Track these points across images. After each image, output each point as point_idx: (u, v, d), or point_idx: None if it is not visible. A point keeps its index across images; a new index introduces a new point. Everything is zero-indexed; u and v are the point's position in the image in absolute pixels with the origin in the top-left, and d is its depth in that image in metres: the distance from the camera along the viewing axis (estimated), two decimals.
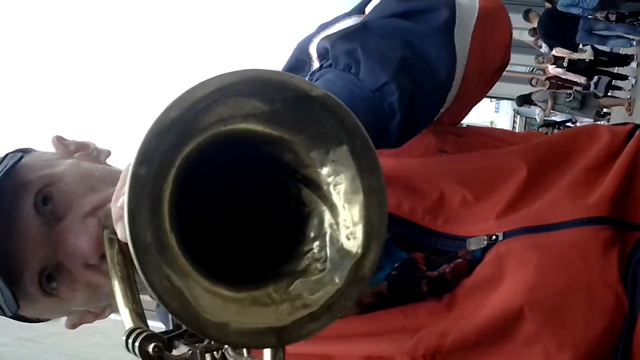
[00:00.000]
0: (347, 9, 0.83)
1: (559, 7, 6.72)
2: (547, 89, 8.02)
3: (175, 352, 0.56)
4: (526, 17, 7.29)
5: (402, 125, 0.70)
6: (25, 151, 0.86)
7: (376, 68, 0.69)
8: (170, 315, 0.70)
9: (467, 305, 0.75)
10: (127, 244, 0.71)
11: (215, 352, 0.60)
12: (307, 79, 0.76)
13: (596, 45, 7.35)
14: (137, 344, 0.53)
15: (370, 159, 0.48)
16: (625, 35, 7.00)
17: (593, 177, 0.78)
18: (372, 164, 0.48)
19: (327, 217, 0.49)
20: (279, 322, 0.44)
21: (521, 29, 7.68)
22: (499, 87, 0.93)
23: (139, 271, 0.40)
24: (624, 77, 7.96)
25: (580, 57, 7.59)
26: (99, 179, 0.84)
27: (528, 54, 8.01)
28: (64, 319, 0.92)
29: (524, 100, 8.60)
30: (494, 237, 0.76)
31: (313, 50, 0.79)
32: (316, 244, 0.49)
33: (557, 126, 10.01)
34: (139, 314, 0.64)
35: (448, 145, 0.87)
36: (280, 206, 0.53)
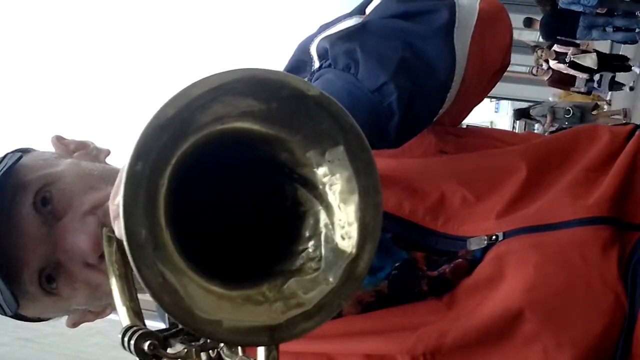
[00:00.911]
0: (347, 10, 0.84)
1: (560, 5, 6.77)
2: (549, 79, 7.92)
3: (170, 351, 0.56)
4: (528, 25, 7.27)
5: (401, 125, 0.70)
6: (24, 151, 0.86)
7: (375, 68, 0.69)
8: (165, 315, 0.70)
9: (467, 304, 0.75)
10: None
11: (210, 351, 0.61)
12: (307, 79, 0.76)
13: (598, 39, 7.29)
14: (132, 341, 0.53)
15: (366, 160, 0.48)
16: (628, 28, 6.93)
17: (593, 177, 0.78)
18: (368, 165, 0.48)
19: (323, 217, 0.49)
20: (273, 321, 0.44)
21: (521, 29, 7.65)
22: (499, 87, 0.93)
23: (133, 267, 0.40)
24: (627, 68, 7.81)
25: (584, 64, 7.53)
26: (98, 178, 0.84)
27: (528, 54, 7.95)
28: (64, 319, 0.92)
29: (522, 114, 8.54)
30: (494, 237, 0.76)
31: (314, 50, 0.79)
32: (311, 243, 0.49)
33: None
34: (136, 312, 0.64)
35: (448, 146, 0.87)
36: (276, 205, 0.53)
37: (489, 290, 0.74)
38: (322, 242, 0.48)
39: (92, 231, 0.76)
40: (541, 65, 7.79)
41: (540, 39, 7.89)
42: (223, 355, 0.58)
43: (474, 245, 0.77)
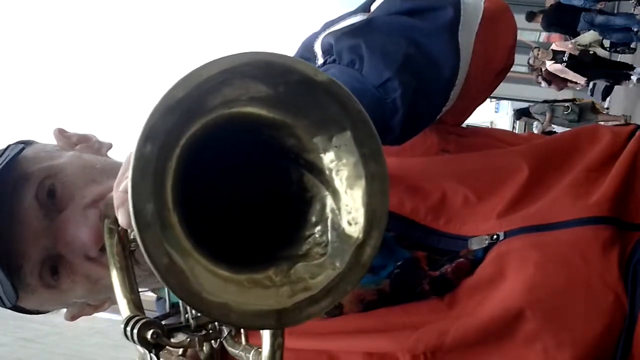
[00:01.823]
0: (348, 9, 0.84)
1: (562, 0, 6.93)
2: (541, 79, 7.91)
3: (173, 340, 0.56)
4: (531, 19, 7.33)
5: (405, 121, 0.70)
6: (26, 143, 0.86)
7: (380, 64, 0.69)
8: (166, 307, 0.70)
9: (468, 304, 0.75)
10: (126, 233, 0.71)
11: (213, 342, 0.60)
12: None
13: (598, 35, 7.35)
14: (135, 330, 0.53)
15: (373, 146, 0.48)
16: (627, 27, 6.97)
17: (594, 177, 0.79)
18: (375, 151, 0.47)
19: (329, 202, 0.49)
20: (279, 304, 0.44)
21: (522, 29, 7.70)
22: (499, 87, 0.93)
23: (141, 246, 0.40)
24: (631, 67, 7.78)
25: (582, 44, 7.46)
26: (100, 171, 0.84)
27: (528, 54, 7.97)
28: (64, 319, 0.92)
29: (522, 113, 8.60)
30: (495, 236, 0.76)
31: (318, 47, 0.79)
32: (318, 228, 0.49)
33: None
34: (137, 304, 0.64)
35: (450, 145, 0.87)
36: (283, 190, 0.53)
37: (490, 289, 0.74)
38: (329, 228, 0.48)
39: (94, 224, 0.76)
40: (534, 67, 7.76)
41: (541, 39, 7.93)
42: (226, 345, 0.58)
43: (475, 244, 0.77)
